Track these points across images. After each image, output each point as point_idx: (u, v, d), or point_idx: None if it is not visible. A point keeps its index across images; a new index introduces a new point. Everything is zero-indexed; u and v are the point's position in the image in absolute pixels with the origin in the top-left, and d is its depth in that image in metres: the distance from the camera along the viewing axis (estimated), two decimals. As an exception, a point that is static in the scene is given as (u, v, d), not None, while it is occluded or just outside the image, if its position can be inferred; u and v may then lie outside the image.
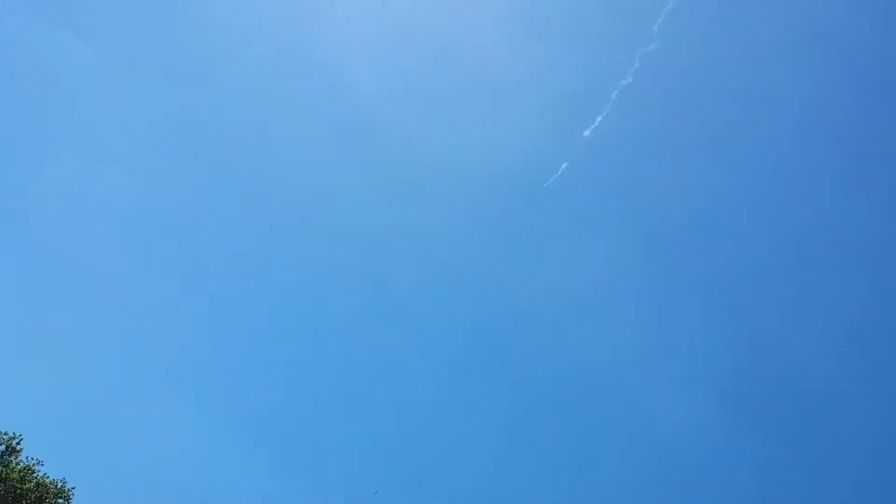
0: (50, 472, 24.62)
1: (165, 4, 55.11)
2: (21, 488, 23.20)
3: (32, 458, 24.37)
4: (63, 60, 51.39)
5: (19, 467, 23.61)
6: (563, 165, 44.77)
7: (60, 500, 24.19)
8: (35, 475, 23.89)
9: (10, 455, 23.78)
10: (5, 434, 24.11)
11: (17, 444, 24.18)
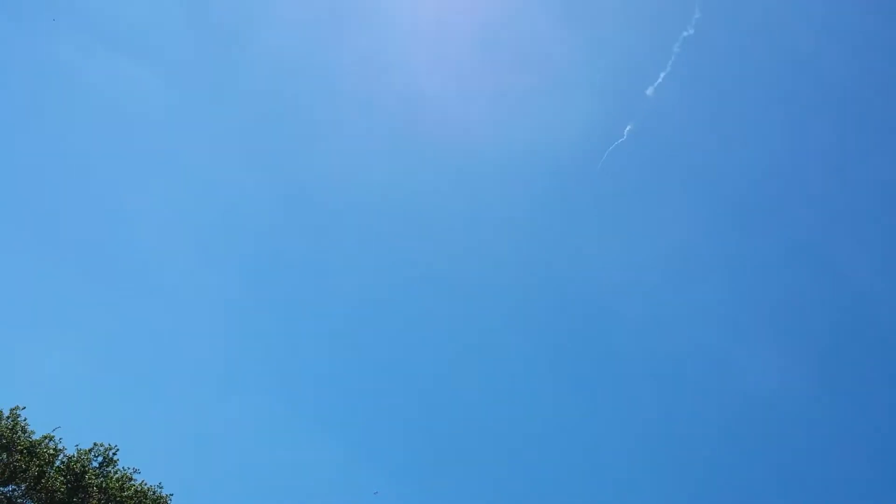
0: (147, 479, 25.38)
1: (223, 24, 56.32)
2: (121, 496, 23.98)
3: (129, 468, 25.16)
4: (126, 88, 53.29)
5: (117, 476, 24.43)
6: (628, 128, 43.20)
7: (159, 506, 24.91)
8: (133, 483, 24.66)
9: (107, 465, 24.62)
10: (102, 445, 24.98)
11: (114, 454, 25.01)
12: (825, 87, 51.54)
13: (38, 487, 23.09)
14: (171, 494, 25.57)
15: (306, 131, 55.51)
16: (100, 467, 24.61)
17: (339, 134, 54.91)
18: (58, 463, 24.00)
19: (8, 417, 23.57)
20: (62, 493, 23.08)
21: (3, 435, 23.11)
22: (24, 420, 23.99)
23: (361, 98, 55.46)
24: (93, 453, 24.75)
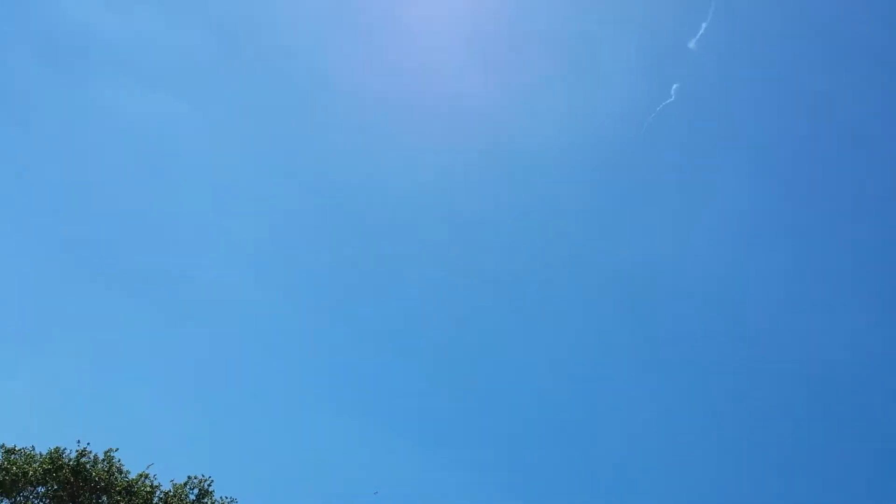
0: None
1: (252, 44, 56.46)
2: (220, 527, 24.09)
3: (226, 497, 25.21)
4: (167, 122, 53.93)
5: (215, 507, 24.53)
6: (675, 86, 41.35)
7: (259, 533, 24.92)
8: (231, 513, 24.74)
9: (203, 497, 24.71)
10: (196, 478, 25.08)
11: (209, 486, 25.08)
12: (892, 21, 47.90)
13: (139, 526, 23.30)
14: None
15: (350, 140, 55.27)
16: (197, 500, 24.71)
17: (381, 140, 54.52)
18: (155, 500, 24.18)
19: (104, 461, 23.87)
20: (163, 529, 23.26)
21: (101, 478, 23.41)
22: (119, 461, 24.26)
23: (398, 104, 54.87)
24: (188, 486, 24.86)
